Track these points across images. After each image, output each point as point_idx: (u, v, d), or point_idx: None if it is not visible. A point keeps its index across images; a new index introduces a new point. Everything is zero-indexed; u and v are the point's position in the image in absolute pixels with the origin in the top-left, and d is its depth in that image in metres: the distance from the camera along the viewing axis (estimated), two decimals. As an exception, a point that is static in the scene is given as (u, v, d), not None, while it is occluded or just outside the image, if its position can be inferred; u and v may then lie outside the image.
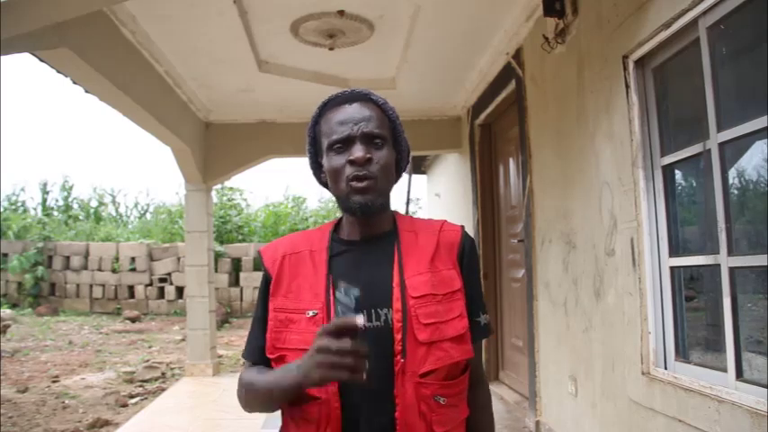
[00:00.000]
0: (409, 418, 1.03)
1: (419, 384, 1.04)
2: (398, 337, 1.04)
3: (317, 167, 1.19)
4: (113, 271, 11.04)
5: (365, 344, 0.92)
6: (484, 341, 1.27)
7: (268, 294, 1.13)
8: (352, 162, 1.07)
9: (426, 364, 1.04)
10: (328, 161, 1.11)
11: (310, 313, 1.07)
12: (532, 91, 3.63)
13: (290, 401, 1.07)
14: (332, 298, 1.06)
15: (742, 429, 1.68)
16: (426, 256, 1.12)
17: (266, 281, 1.15)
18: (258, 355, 1.14)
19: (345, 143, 1.09)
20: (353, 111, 1.11)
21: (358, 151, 1.07)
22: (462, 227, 1.21)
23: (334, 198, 1.17)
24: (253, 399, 1.12)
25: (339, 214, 1.20)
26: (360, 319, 0.91)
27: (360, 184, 1.07)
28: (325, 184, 1.17)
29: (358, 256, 1.13)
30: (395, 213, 1.20)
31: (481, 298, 1.20)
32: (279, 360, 1.09)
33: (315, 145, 1.18)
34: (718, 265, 1.92)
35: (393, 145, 1.15)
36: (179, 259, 10.74)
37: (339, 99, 1.14)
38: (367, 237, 1.14)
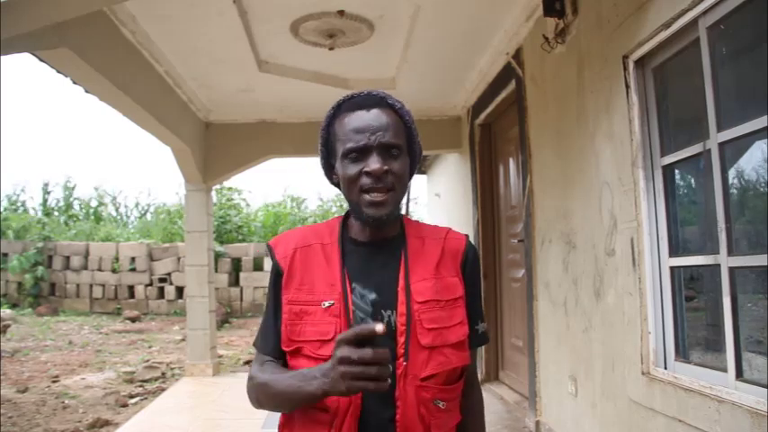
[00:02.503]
0: (409, 420, 1.04)
1: (420, 388, 1.05)
2: (402, 340, 1.05)
3: (328, 168, 1.18)
4: (113, 271, 11.04)
5: (386, 348, 0.92)
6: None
7: (280, 287, 1.13)
8: (368, 173, 1.06)
9: (428, 368, 1.06)
10: (343, 168, 1.10)
11: (326, 304, 1.07)
12: (532, 91, 3.63)
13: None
14: (348, 288, 1.08)
15: (742, 429, 1.68)
16: (432, 263, 1.13)
17: (277, 274, 1.14)
18: (272, 346, 1.14)
19: (361, 152, 1.07)
20: (371, 118, 1.09)
21: (375, 163, 1.06)
22: (467, 236, 1.22)
23: (343, 197, 1.17)
24: (268, 400, 1.10)
25: (338, 213, 1.20)
26: (379, 327, 0.90)
27: (375, 198, 1.06)
28: (336, 185, 1.17)
29: (366, 256, 1.13)
30: (402, 217, 1.20)
31: (480, 306, 1.22)
32: (295, 352, 1.09)
33: (327, 146, 1.16)
34: (718, 265, 1.92)
35: (407, 150, 1.14)
36: (179, 259, 10.74)
37: (355, 102, 1.12)
38: (375, 239, 1.14)
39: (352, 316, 0.96)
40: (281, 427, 1.14)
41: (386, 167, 1.06)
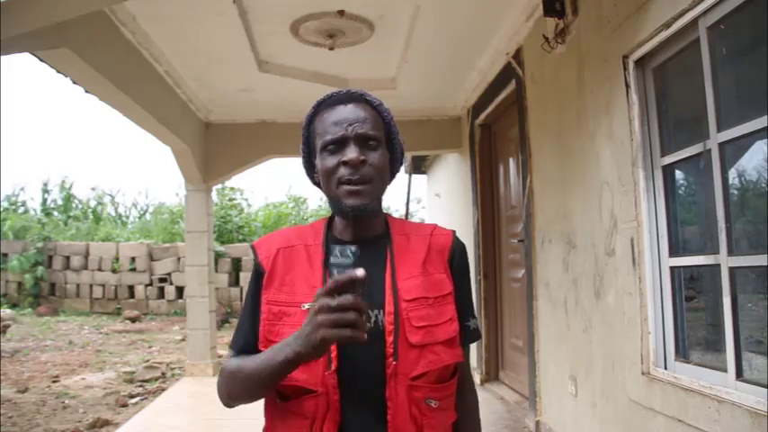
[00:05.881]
0: (401, 420, 1.03)
1: (411, 387, 1.04)
2: (390, 339, 1.04)
3: (310, 167, 1.18)
4: (113, 271, 11.04)
5: (365, 299, 0.89)
6: (478, 343, 1.27)
7: (260, 287, 1.11)
8: (345, 163, 1.06)
9: (418, 367, 1.04)
10: (321, 161, 1.10)
11: (306, 306, 1.04)
12: (532, 91, 3.63)
13: (282, 395, 1.06)
14: None
15: (742, 429, 1.68)
16: (418, 260, 1.12)
17: (258, 274, 1.13)
18: (246, 346, 1.12)
19: (339, 144, 1.08)
20: (348, 111, 1.10)
21: (352, 153, 1.06)
22: (453, 231, 1.21)
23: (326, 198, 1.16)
24: (239, 384, 1.07)
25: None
26: (360, 271, 0.87)
27: (353, 188, 1.06)
28: (318, 184, 1.17)
29: None
30: (387, 216, 1.20)
31: (471, 303, 1.20)
32: None
33: (308, 144, 1.17)
34: (718, 265, 1.93)
35: (387, 147, 1.14)
36: (179, 259, 10.74)
37: (334, 99, 1.13)
38: (360, 239, 1.13)
39: (329, 275, 0.93)
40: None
41: (362, 158, 1.06)
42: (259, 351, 1.08)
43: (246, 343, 1.12)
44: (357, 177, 1.06)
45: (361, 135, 1.08)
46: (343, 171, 1.06)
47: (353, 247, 0.92)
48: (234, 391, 1.09)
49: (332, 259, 0.94)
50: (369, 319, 0.91)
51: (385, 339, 1.04)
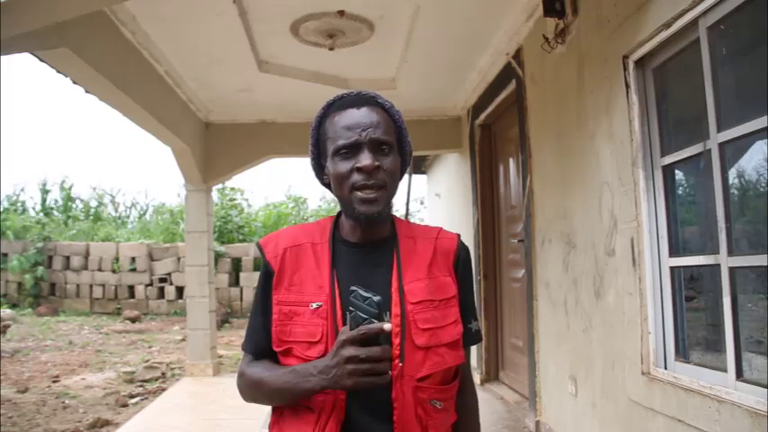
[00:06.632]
0: (407, 421, 1.04)
1: (417, 388, 1.05)
2: (397, 341, 1.05)
3: (319, 169, 1.18)
4: (113, 271, 11.05)
5: (388, 345, 0.97)
6: (479, 344, 1.29)
7: (269, 287, 1.12)
8: (359, 169, 1.06)
9: (424, 368, 1.06)
10: (333, 166, 1.09)
11: (314, 305, 1.07)
12: (532, 91, 3.63)
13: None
14: (337, 290, 1.07)
15: (742, 429, 1.68)
16: (424, 263, 1.13)
17: (268, 274, 1.14)
18: (260, 347, 1.14)
19: (352, 149, 1.07)
20: (361, 115, 1.09)
21: (366, 159, 1.06)
22: (458, 235, 1.22)
23: (336, 199, 1.17)
24: (261, 395, 1.12)
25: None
26: (387, 326, 0.94)
27: (367, 196, 1.06)
28: (327, 185, 1.17)
29: (358, 258, 1.13)
30: (393, 218, 1.20)
31: (473, 305, 1.22)
32: (286, 353, 1.09)
33: (318, 146, 1.16)
34: (718, 265, 1.92)
35: (398, 150, 1.14)
36: (179, 259, 10.74)
37: (345, 101, 1.12)
38: (367, 240, 1.13)
39: (350, 317, 0.96)
40: (272, 426, 1.15)
41: (377, 163, 1.06)
42: (273, 352, 1.12)
43: (261, 345, 1.14)
44: (371, 183, 1.06)
45: (375, 140, 1.07)
46: (356, 177, 1.06)
47: (377, 297, 0.96)
48: (257, 400, 1.15)
49: (352, 299, 0.97)
50: (391, 367, 1.00)
51: (391, 341, 1.04)
